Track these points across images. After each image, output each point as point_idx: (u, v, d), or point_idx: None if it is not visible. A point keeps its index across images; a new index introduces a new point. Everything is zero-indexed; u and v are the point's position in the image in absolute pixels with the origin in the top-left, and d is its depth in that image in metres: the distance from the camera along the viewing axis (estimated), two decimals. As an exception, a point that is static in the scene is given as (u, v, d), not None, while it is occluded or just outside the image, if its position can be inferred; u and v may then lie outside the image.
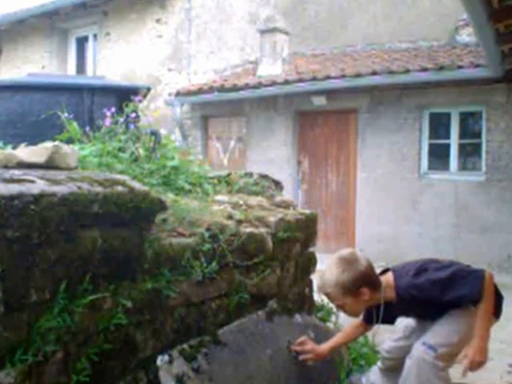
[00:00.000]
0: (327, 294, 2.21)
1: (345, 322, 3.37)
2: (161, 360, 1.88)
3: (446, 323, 2.18)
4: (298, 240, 2.90)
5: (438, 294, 2.11)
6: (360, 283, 2.14)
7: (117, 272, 1.71)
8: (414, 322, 2.49)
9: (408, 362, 2.18)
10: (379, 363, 2.61)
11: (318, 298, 3.43)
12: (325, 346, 2.49)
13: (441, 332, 2.16)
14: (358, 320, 2.48)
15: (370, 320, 2.41)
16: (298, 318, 2.79)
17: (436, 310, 2.23)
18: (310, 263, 3.14)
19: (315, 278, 3.25)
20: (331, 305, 3.50)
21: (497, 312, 2.23)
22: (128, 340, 1.75)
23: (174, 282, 1.94)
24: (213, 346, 2.12)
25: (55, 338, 1.46)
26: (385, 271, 2.33)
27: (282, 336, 2.53)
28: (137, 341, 1.79)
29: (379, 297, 2.21)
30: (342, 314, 3.42)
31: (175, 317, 1.99)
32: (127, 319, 1.69)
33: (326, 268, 2.22)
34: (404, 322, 2.55)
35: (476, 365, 2.09)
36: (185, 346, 2.01)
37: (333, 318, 3.37)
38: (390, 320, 2.41)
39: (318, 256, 3.26)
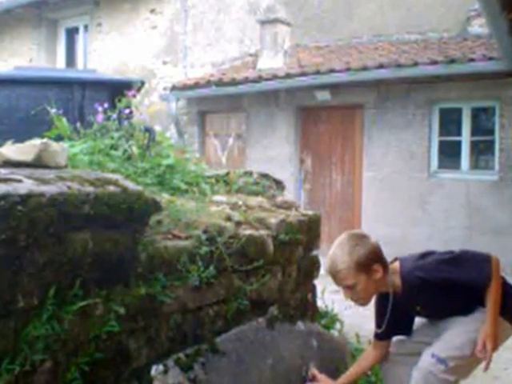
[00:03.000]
0: (337, 273, 2.13)
1: (350, 331, 3.37)
2: (155, 370, 1.88)
3: (458, 332, 2.16)
4: (300, 243, 2.90)
5: (446, 273, 2.10)
6: (374, 258, 2.13)
7: (109, 276, 1.71)
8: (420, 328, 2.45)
9: (415, 374, 2.16)
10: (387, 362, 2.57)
11: (322, 303, 3.43)
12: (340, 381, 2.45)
13: (452, 342, 2.14)
14: (370, 349, 2.47)
15: (383, 334, 2.38)
16: (300, 325, 2.79)
17: (446, 302, 2.20)
18: (313, 267, 3.14)
19: (318, 284, 3.26)
20: (336, 311, 3.52)
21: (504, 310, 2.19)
22: (121, 349, 1.75)
23: (170, 287, 1.94)
24: (210, 355, 2.12)
25: (43, 346, 1.46)
26: (391, 262, 2.32)
27: (284, 344, 2.53)
28: (130, 349, 1.79)
29: (387, 281, 2.19)
30: (347, 321, 3.43)
31: (170, 324, 1.99)
32: (120, 327, 1.69)
33: (335, 247, 2.18)
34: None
35: (488, 353, 2.07)
36: (181, 355, 2.01)
37: (337, 325, 3.37)
38: (403, 326, 2.37)
39: (322, 260, 3.25)
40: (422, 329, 2.41)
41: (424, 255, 2.22)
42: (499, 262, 2.15)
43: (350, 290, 2.15)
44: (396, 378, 2.38)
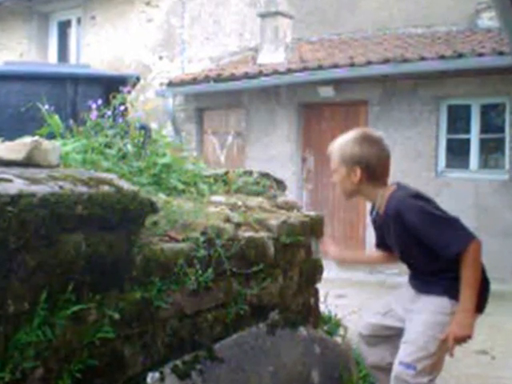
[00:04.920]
0: (330, 152, 2.35)
1: (354, 337, 3.37)
2: (151, 378, 1.88)
3: (417, 331, 2.19)
4: (302, 245, 2.90)
5: (420, 225, 2.12)
6: (358, 161, 2.24)
7: (103, 280, 1.71)
8: (392, 302, 2.49)
9: (392, 383, 2.22)
10: (359, 341, 2.61)
11: (325, 308, 3.43)
12: (348, 253, 2.68)
13: (416, 343, 2.16)
14: (379, 254, 2.59)
15: (377, 241, 2.53)
16: (302, 331, 2.79)
17: (408, 251, 2.26)
18: (315, 271, 3.14)
19: (321, 288, 3.26)
20: (339, 316, 3.53)
21: (481, 306, 2.22)
22: (115, 355, 1.75)
23: (166, 291, 1.94)
24: (208, 362, 2.12)
25: (35, 353, 1.46)
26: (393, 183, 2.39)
27: (285, 351, 2.53)
28: (125, 356, 1.79)
29: (369, 192, 2.30)
30: (350, 327, 3.43)
31: (167, 330, 1.98)
32: (114, 332, 1.69)
33: (350, 132, 2.36)
34: (383, 300, 2.58)
35: (458, 340, 2.10)
36: (178, 362, 2.01)
37: (341, 330, 3.37)
38: (387, 241, 2.44)
39: (325, 263, 3.25)
40: (392, 311, 2.45)
41: (420, 197, 2.22)
42: (481, 246, 2.12)
43: (333, 173, 2.36)
44: (375, 355, 2.47)
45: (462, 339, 2.10)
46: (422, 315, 2.21)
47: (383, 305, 2.52)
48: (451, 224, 2.14)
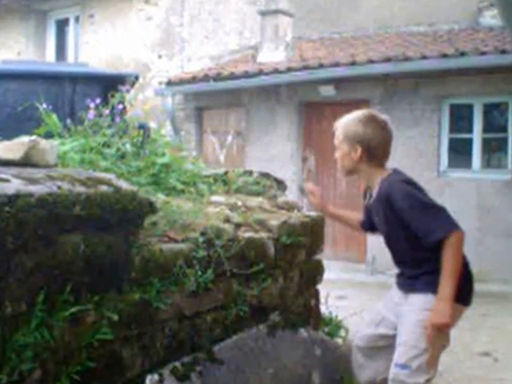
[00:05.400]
0: (335, 128, 2.42)
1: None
2: (150, 380, 1.88)
3: (406, 332, 2.22)
4: (302, 246, 2.90)
5: (407, 208, 2.17)
6: (360, 141, 2.31)
7: (101, 281, 1.71)
8: (382, 310, 2.51)
9: None
10: (354, 351, 2.61)
11: (326, 310, 3.43)
12: (330, 207, 2.77)
13: (407, 343, 2.20)
14: (359, 221, 2.67)
15: (363, 219, 2.61)
16: (302, 332, 2.79)
17: (394, 236, 2.31)
18: (316, 272, 3.14)
19: (322, 289, 3.26)
20: (340, 318, 3.53)
21: (466, 298, 2.26)
22: (114, 357, 1.75)
23: (165, 292, 1.94)
24: (208, 363, 2.12)
25: (32, 354, 1.46)
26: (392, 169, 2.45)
27: (286, 353, 2.53)
28: (123, 358, 1.79)
29: (367, 172, 2.37)
30: (352, 328, 3.43)
31: (166, 331, 1.98)
32: (113, 334, 1.69)
33: (359, 110, 2.44)
34: (376, 308, 2.59)
35: (436, 328, 2.11)
36: (177, 364, 2.01)
37: (342, 332, 3.37)
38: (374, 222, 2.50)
39: (326, 263, 3.25)
40: (384, 320, 2.47)
41: (414, 185, 2.28)
42: (463, 238, 2.15)
43: (336, 149, 2.43)
44: (369, 369, 2.48)
45: (440, 327, 2.12)
46: (409, 315, 2.25)
47: (375, 314, 2.55)
48: (437, 212, 2.19)
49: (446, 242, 2.10)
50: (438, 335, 2.15)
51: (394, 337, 2.34)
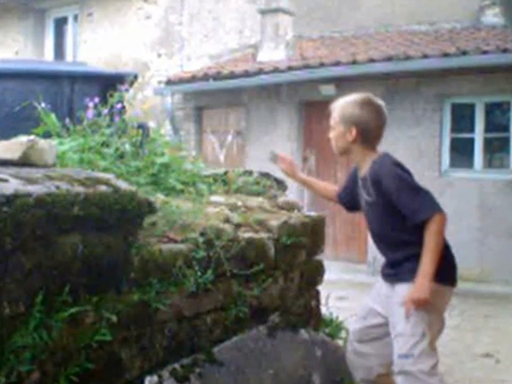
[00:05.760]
0: (332, 108, 2.51)
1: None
2: (149, 381, 1.88)
3: (400, 322, 2.26)
4: (303, 246, 2.89)
5: (394, 189, 2.26)
6: (355, 123, 2.40)
7: (100, 282, 1.71)
8: (370, 303, 2.56)
9: (398, 380, 2.28)
10: (348, 350, 2.65)
11: (326, 311, 3.43)
12: (301, 174, 2.86)
13: (405, 333, 2.24)
14: (334, 191, 2.75)
15: (341, 197, 2.68)
16: (303, 333, 2.79)
17: (379, 217, 2.38)
18: (316, 272, 3.14)
19: (322, 290, 3.26)
20: (341, 319, 3.53)
21: (451, 278, 2.33)
22: (112, 358, 1.75)
23: (164, 293, 1.94)
24: (208, 365, 2.12)
25: (31, 356, 1.46)
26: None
27: (286, 354, 2.53)
28: (122, 359, 1.79)
29: (359, 154, 2.44)
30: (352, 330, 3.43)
31: (165, 332, 1.98)
32: (111, 335, 1.69)
33: (358, 93, 2.54)
34: (362, 304, 2.63)
35: (416, 302, 2.18)
36: (176, 365, 2.01)
37: (343, 333, 3.37)
38: (353, 201, 2.59)
39: (326, 264, 3.25)
40: (371, 311, 2.52)
41: (403, 168, 2.34)
42: (445, 221, 2.25)
43: (330, 130, 2.51)
44: (362, 367, 2.52)
45: (419, 302, 2.18)
46: (399, 306, 2.28)
47: (362, 309, 2.59)
48: (424, 194, 2.28)
49: (429, 222, 2.20)
50: (433, 317, 2.21)
51: (382, 325, 2.42)
